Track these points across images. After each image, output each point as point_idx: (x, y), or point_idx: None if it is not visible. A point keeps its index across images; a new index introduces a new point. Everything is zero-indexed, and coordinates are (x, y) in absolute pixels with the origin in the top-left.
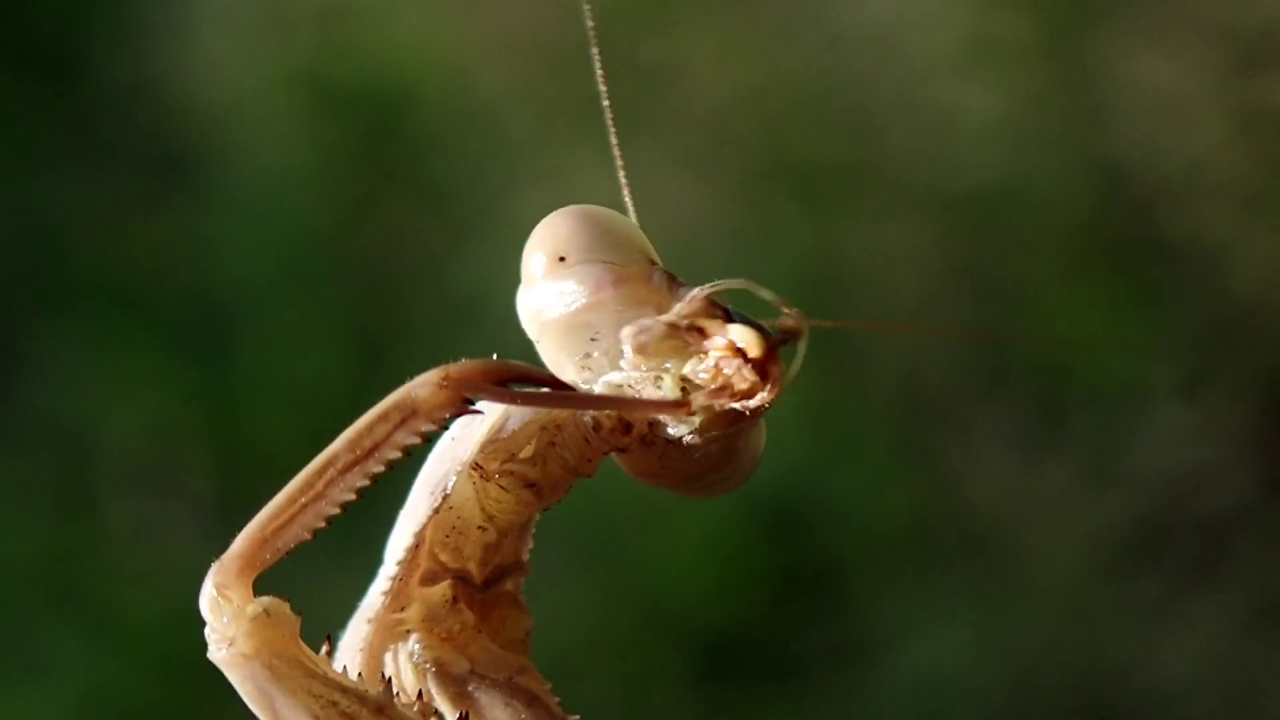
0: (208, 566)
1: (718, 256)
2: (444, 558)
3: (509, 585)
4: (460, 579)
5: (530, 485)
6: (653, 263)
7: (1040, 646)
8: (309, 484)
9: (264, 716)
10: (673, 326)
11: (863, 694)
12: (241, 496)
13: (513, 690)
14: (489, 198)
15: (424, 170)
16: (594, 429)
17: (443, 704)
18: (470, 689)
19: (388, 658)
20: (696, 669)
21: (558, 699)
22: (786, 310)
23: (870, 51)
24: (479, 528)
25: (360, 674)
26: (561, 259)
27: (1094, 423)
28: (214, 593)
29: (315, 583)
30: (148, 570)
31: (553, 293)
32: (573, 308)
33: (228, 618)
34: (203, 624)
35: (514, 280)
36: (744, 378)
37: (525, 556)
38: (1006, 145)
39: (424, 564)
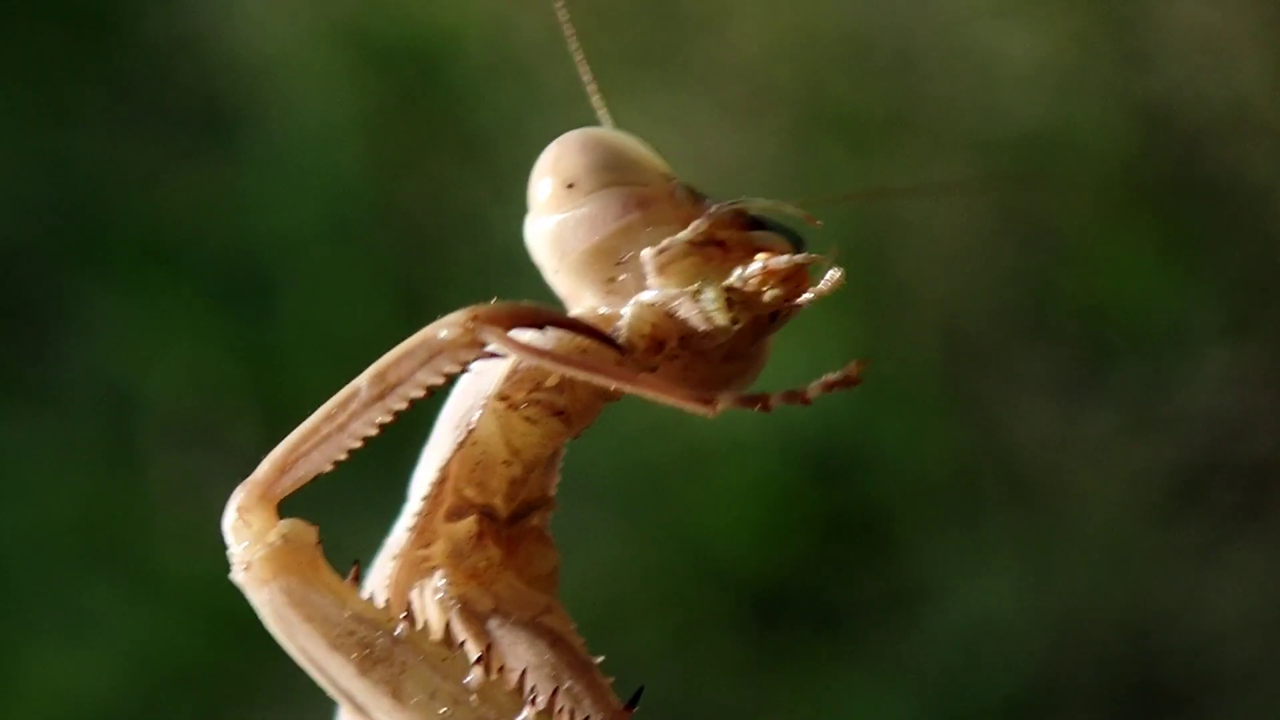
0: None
1: None
2: (469, 493)
3: (535, 520)
4: (486, 514)
5: (559, 413)
6: (669, 178)
7: (1085, 591)
8: (331, 415)
9: (282, 639)
10: (692, 244)
11: (908, 639)
12: None
13: (537, 630)
14: (530, 149)
15: (465, 122)
16: (628, 351)
17: (466, 641)
18: (494, 627)
19: (413, 594)
20: (743, 617)
21: (583, 640)
22: (813, 222)
23: None
24: (504, 462)
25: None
26: (571, 185)
27: (1138, 367)
28: (236, 517)
29: (346, 529)
30: (192, 526)
31: (573, 219)
32: (599, 233)
33: (248, 541)
34: None
35: None
36: (793, 278)
37: (552, 491)
38: (1049, 89)
39: (449, 499)
